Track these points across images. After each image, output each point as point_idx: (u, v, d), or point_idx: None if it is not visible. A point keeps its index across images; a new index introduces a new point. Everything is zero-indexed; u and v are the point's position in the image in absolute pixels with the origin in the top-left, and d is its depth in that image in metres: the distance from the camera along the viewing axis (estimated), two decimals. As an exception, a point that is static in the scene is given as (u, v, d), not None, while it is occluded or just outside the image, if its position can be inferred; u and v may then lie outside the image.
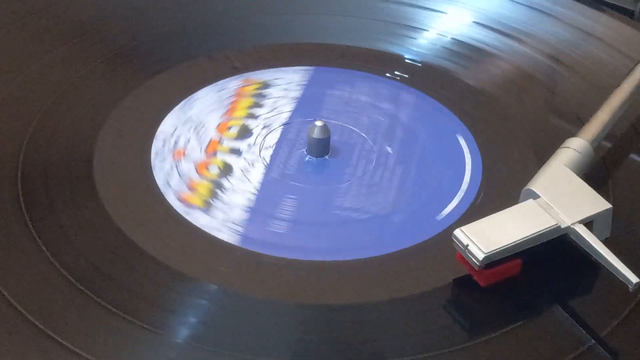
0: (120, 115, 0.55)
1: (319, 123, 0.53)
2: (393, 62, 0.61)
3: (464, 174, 0.52)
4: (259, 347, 0.42)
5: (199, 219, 0.48)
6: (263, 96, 0.58)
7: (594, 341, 0.43)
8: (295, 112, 0.56)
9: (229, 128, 0.55)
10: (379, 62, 0.61)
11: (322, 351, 0.42)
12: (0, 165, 0.50)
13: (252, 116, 0.56)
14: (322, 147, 0.53)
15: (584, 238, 0.44)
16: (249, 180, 0.51)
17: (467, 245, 0.44)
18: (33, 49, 0.59)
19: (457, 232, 0.44)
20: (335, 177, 0.52)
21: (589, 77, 0.60)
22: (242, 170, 0.52)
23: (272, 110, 0.56)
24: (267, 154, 0.53)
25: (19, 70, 0.57)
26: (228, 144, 0.54)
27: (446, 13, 0.65)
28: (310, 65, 0.60)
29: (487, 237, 0.44)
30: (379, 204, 0.50)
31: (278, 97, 0.57)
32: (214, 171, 0.52)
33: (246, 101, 0.57)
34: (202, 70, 0.59)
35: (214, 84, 0.58)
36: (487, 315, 0.44)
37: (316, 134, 0.53)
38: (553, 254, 0.45)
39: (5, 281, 0.44)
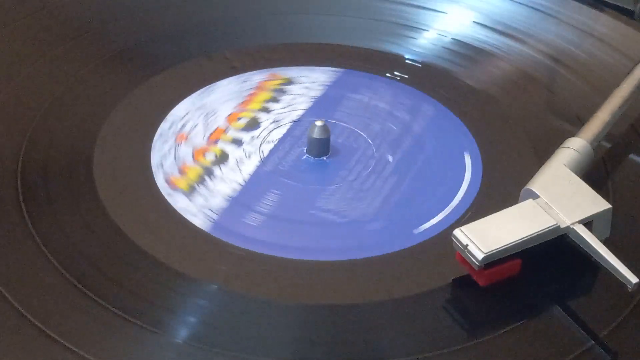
0: (120, 115, 0.55)
1: (319, 123, 0.53)
2: (393, 62, 0.61)
3: (464, 174, 0.52)
4: (259, 347, 0.42)
5: (199, 219, 0.48)
6: (283, 92, 0.58)
7: (593, 341, 0.43)
8: (310, 111, 0.57)
9: (239, 119, 0.55)
10: (379, 62, 0.61)
11: (322, 351, 0.42)
12: (0, 164, 0.50)
13: (266, 110, 0.56)
14: (322, 147, 0.53)
15: (583, 238, 0.44)
16: (240, 171, 0.51)
17: (467, 245, 0.44)
18: (33, 49, 0.59)
19: (457, 232, 0.44)
20: (335, 177, 0.52)
21: (589, 77, 0.60)
22: (237, 160, 0.52)
23: (287, 107, 0.57)
24: (267, 148, 0.53)
25: (19, 70, 0.57)
26: (232, 134, 0.54)
27: (446, 13, 0.65)
28: (310, 65, 0.60)
29: (487, 237, 0.44)
30: (379, 204, 0.50)
31: (297, 95, 0.58)
32: (209, 158, 0.52)
33: (265, 95, 0.57)
34: (201, 70, 0.59)
35: (239, 75, 0.58)
36: (486, 315, 0.44)
37: (316, 133, 0.53)
38: (553, 254, 0.45)
39: (5, 281, 0.44)
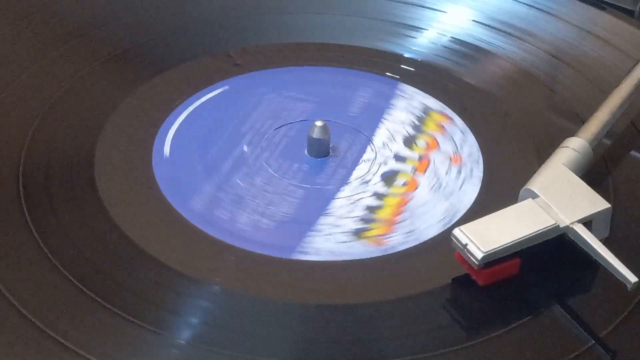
0: (121, 115, 0.55)
1: (319, 123, 0.53)
2: (393, 61, 0.61)
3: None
4: (259, 347, 0.42)
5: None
6: None
7: (593, 341, 0.43)
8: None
9: None
10: (379, 62, 0.61)
11: (322, 351, 0.42)
12: (1, 165, 0.50)
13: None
14: (322, 147, 0.53)
15: (582, 237, 0.44)
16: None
17: (466, 244, 0.44)
18: (33, 49, 0.59)
19: (456, 232, 0.44)
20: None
21: (589, 76, 0.60)
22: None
23: None
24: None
25: (20, 70, 0.57)
26: None
27: (446, 12, 0.65)
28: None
29: (486, 236, 0.44)
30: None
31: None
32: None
33: None
34: (203, 69, 0.59)
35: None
36: (486, 315, 0.44)
37: (316, 134, 0.53)
38: (552, 254, 0.45)
39: (5, 281, 0.44)
